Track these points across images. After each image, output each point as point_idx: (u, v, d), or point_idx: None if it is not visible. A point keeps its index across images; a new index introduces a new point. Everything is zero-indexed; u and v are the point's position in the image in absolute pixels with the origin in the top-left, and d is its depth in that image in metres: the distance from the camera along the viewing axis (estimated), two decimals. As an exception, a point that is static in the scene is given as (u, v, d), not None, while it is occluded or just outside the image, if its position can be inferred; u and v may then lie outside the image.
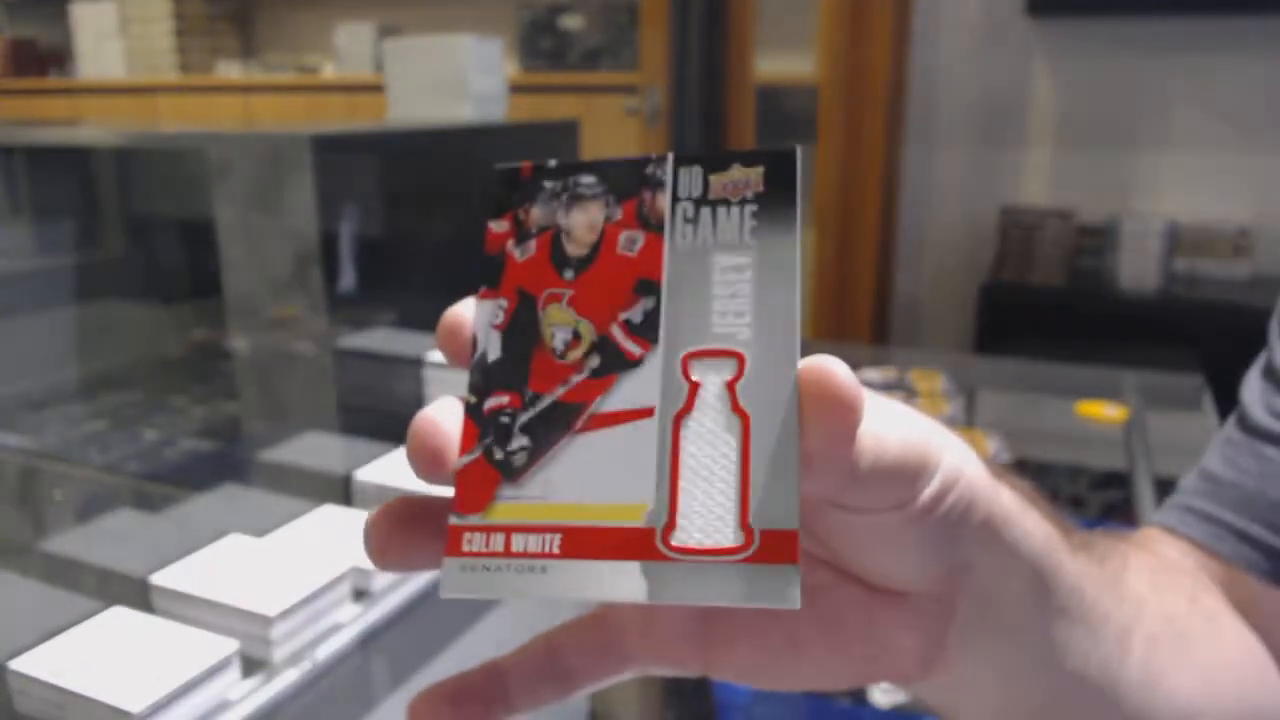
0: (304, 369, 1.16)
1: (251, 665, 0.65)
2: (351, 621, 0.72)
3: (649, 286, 0.22)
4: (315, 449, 1.07)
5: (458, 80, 1.55)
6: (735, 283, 0.21)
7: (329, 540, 0.77)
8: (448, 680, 0.26)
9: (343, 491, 0.87)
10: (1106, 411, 1.29)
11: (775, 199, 0.22)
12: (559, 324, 0.22)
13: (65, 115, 3.44)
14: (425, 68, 1.59)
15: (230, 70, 3.56)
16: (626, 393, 0.21)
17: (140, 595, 0.69)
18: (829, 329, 2.67)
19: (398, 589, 0.75)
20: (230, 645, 0.63)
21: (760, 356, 0.20)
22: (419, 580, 0.77)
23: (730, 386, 0.20)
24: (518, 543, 0.20)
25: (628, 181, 0.23)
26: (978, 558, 0.25)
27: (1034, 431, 1.31)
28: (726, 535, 0.19)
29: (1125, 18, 2.42)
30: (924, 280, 2.82)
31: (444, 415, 0.21)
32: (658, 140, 2.66)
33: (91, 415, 1.29)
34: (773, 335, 0.21)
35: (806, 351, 0.20)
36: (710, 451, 0.20)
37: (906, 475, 0.22)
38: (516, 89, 1.82)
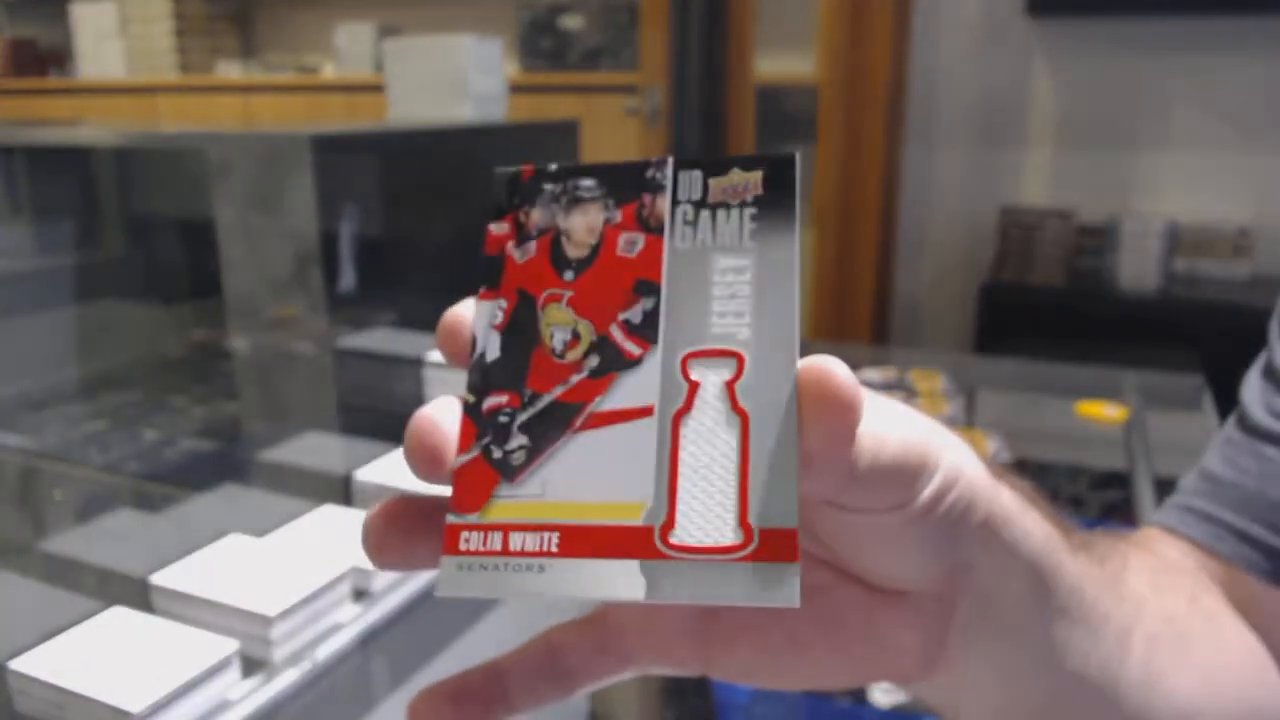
0: (304, 369, 1.16)
1: (251, 665, 0.65)
2: (351, 621, 0.72)
3: (648, 287, 0.22)
4: (315, 449, 1.07)
5: (458, 80, 1.55)
6: (734, 284, 0.21)
7: (329, 540, 0.77)
8: (448, 680, 0.26)
9: (343, 491, 0.87)
10: (1106, 411, 1.29)
11: (774, 202, 0.22)
12: (558, 324, 0.22)
13: (65, 115, 3.44)
14: (425, 68, 1.59)
15: (230, 70, 3.56)
16: (625, 392, 0.21)
17: (140, 595, 0.69)
18: (829, 329, 2.67)
19: (398, 589, 0.75)
20: (230, 645, 0.63)
21: (759, 356, 0.21)
22: (419, 580, 0.77)
23: (729, 386, 0.20)
24: (515, 541, 0.20)
25: (628, 185, 0.23)
26: (978, 557, 0.25)
27: (1034, 431, 1.31)
28: (726, 534, 0.19)
29: (1125, 18, 2.43)
30: (924, 280, 2.82)
31: (442, 414, 0.21)
32: (658, 140, 2.66)
33: (91, 415, 1.29)
34: (772, 335, 0.21)
35: (806, 351, 0.20)
36: (709, 450, 0.20)
37: (906, 475, 0.22)
38: (516, 89, 1.82)
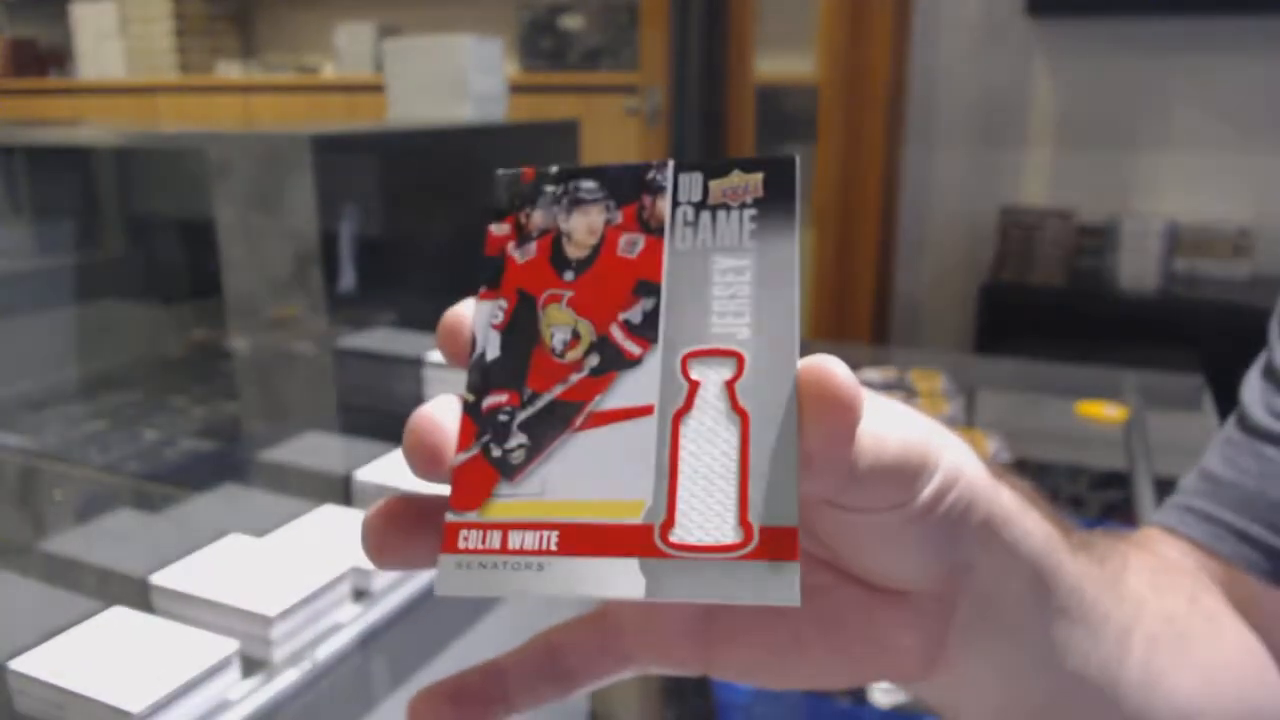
0: (304, 369, 1.16)
1: (251, 665, 0.65)
2: (351, 621, 0.72)
3: (648, 287, 0.22)
4: (315, 449, 1.07)
5: (458, 80, 1.55)
6: (734, 284, 0.21)
7: (329, 540, 0.77)
8: (447, 679, 0.25)
9: (343, 491, 0.87)
10: (1106, 411, 1.29)
11: (774, 204, 0.22)
12: (558, 324, 0.22)
13: (65, 115, 3.44)
14: (425, 68, 1.59)
15: (230, 70, 3.56)
16: (625, 391, 0.21)
17: (140, 595, 0.69)
18: (829, 329, 2.67)
19: (398, 589, 0.75)
20: (230, 645, 0.63)
21: (759, 356, 0.21)
22: (419, 580, 0.77)
23: (730, 386, 0.20)
24: (514, 540, 0.20)
25: (628, 187, 0.23)
26: (978, 557, 0.25)
27: (1034, 431, 1.31)
28: (726, 532, 0.19)
29: (1125, 18, 2.43)
30: (924, 280, 2.82)
31: (441, 412, 0.21)
32: (658, 140, 2.66)
33: (91, 415, 1.29)
34: (772, 335, 0.21)
35: (806, 351, 0.20)
36: (709, 449, 0.20)
37: (906, 475, 0.22)
38: (516, 89, 1.82)
